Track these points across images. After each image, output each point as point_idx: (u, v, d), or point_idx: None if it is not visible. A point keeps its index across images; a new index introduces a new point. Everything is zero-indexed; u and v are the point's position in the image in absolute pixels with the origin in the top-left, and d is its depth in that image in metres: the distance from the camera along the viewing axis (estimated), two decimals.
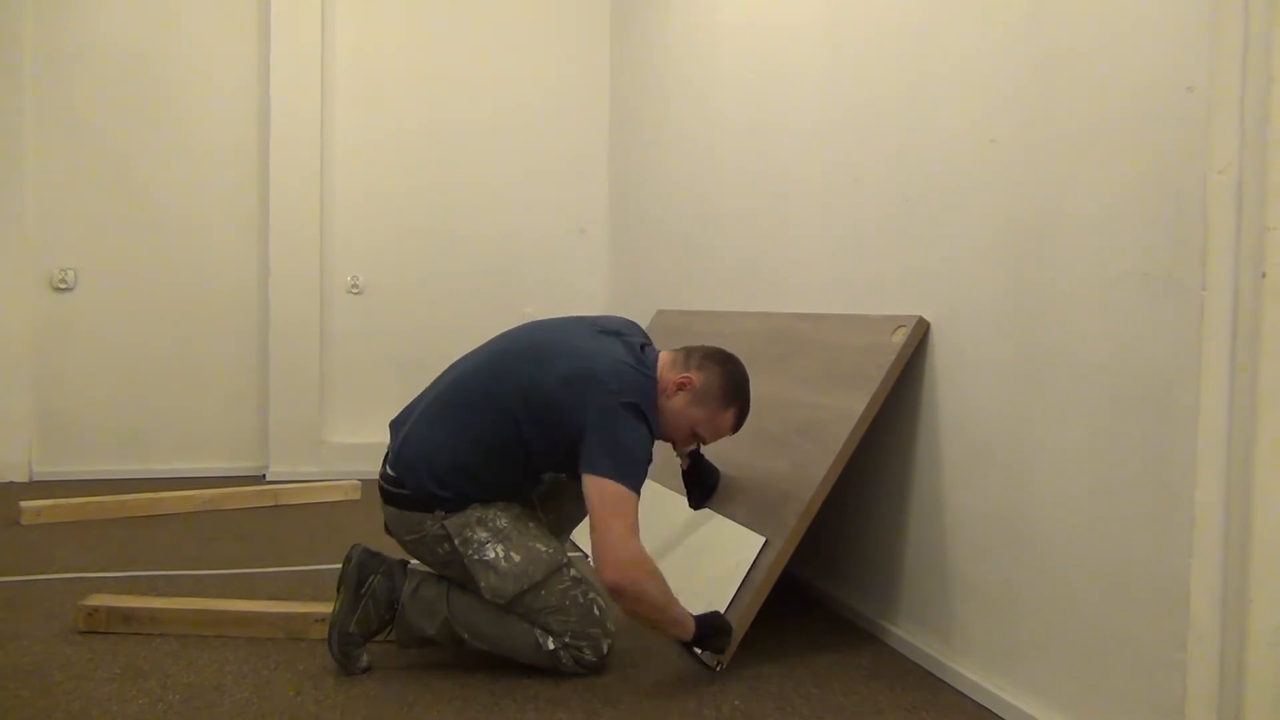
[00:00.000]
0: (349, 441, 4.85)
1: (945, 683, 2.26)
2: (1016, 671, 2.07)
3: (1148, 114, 1.73)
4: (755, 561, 2.38)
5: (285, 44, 4.70)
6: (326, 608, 2.48)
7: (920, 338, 2.39)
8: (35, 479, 4.53)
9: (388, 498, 2.35)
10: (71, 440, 4.61)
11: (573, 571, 2.29)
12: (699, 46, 3.96)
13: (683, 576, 2.65)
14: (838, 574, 2.82)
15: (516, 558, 2.24)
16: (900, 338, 2.39)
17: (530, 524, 2.33)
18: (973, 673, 2.20)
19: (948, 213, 2.33)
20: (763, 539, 2.42)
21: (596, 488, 2.11)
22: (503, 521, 2.27)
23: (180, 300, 4.71)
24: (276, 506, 4.09)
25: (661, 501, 3.02)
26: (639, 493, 2.14)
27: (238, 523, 3.78)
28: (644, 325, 4.15)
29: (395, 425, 2.44)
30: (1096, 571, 1.84)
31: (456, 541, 2.25)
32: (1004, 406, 2.12)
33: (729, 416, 2.36)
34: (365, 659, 2.29)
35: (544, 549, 2.28)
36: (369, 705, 2.09)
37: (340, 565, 2.35)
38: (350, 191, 4.88)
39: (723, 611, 2.35)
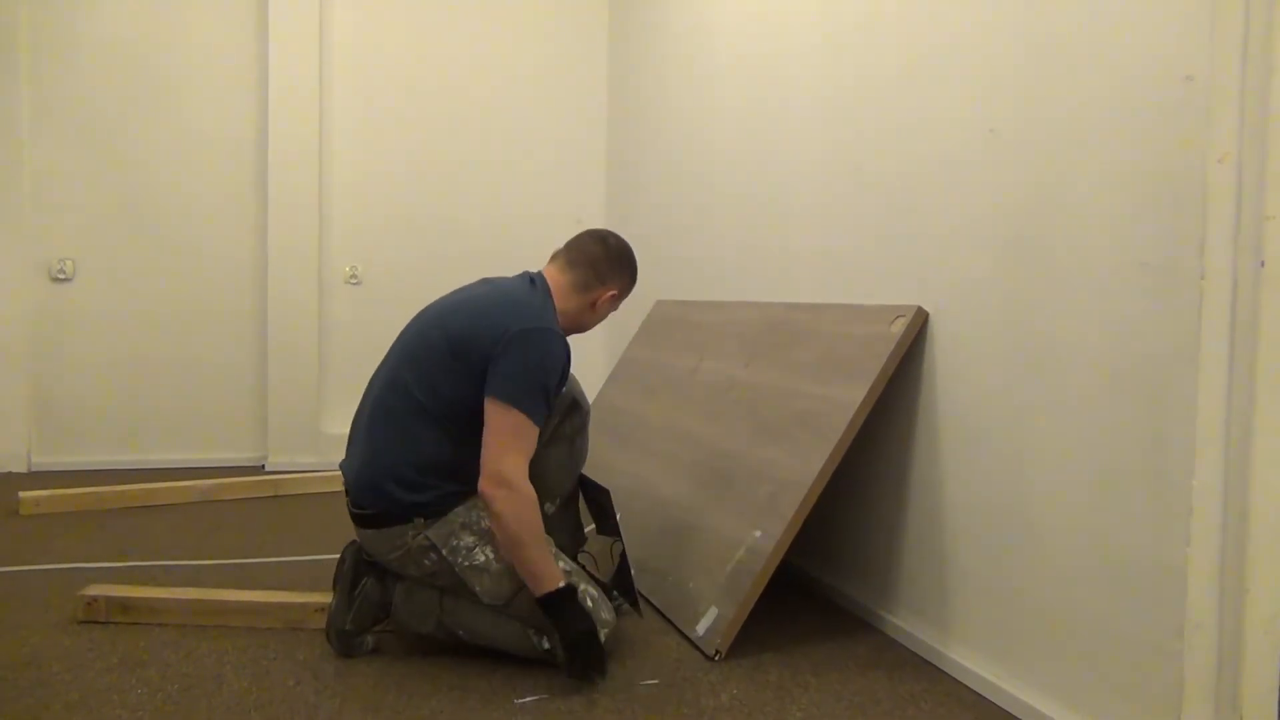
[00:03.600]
0: (347, 432, 4.84)
1: (943, 671, 2.27)
2: (1014, 660, 2.08)
3: (1147, 103, 1.73)
4: (753, 551, 2.39)
5: (284, 34, 4.68)
6: (325, 598, 2.48)
7: (919, 328, 2.38)
8: (34, 469, 4.53)
9: (362, 521, 2.32)
10: (70, 431, 4.61)
11: (562, 564, 2.28)
12: (697, 37, 3.95)
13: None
14: (836, 563, 2.83)
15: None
16: (899, 328, 2.39)
17: None
18: (970, 661, 2.20)
19: (946, 203, 2.32)
20: (761, 529, 2.42)
21: (493, 412, 2.14)
22: (486, 522, 2.24)
23: (179, 291, 4.71)
24: (275, 497, 4.09)
25: (655, 489, 3.02)
26: (538, 419, 2.17)
27: (236, 513, 3.78)
28: (643, 316, 4.17)
29: (344, 466, 2.42)
30: (1094, 560, 1.85)
31: (444, 551, 2.23)
32: (1002, 396, 2.12)
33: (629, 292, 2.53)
34: (370, 640, 2.33)
35: None
36: (368, 695, 2.10)
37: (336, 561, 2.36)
38: (349, 182, 4.87)
39: (716, 610, 2.36)
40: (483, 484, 2.13)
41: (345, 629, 2.29)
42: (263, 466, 4.70)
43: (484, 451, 2.15)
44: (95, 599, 2.50)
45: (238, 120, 4.74)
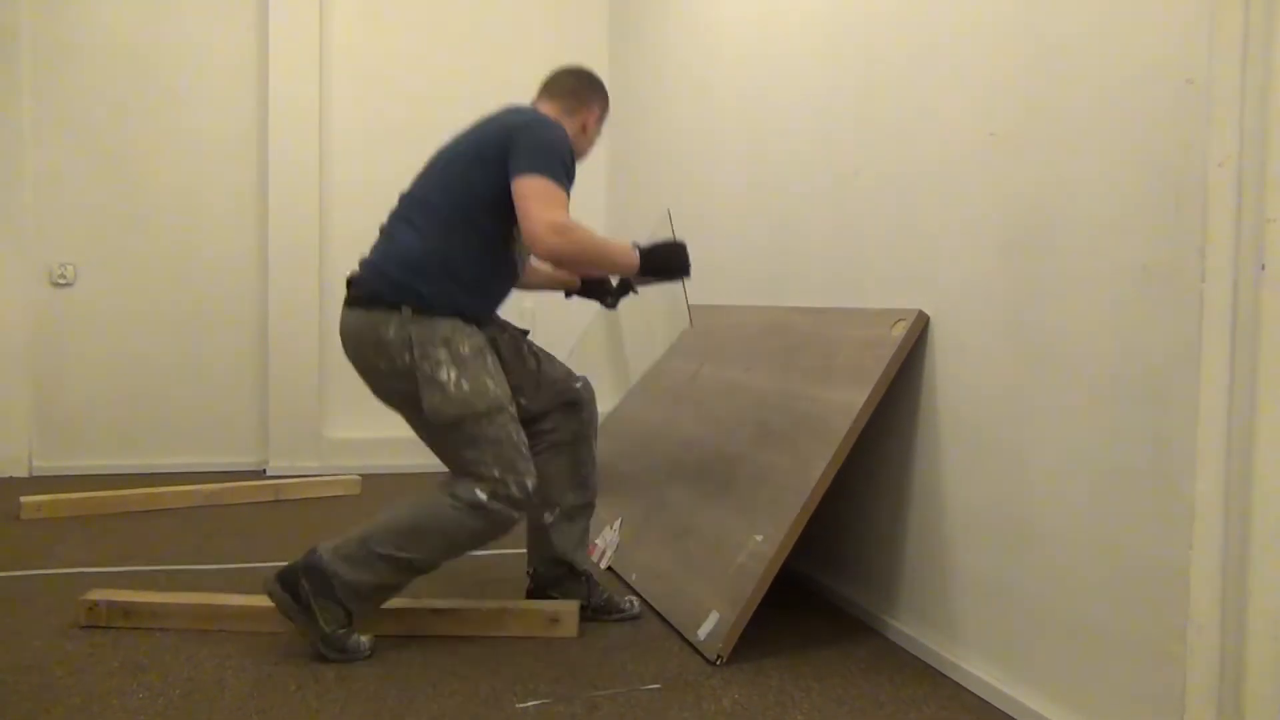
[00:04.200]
0: (348, 436, 4.86)
1: (945, 676, 2.26)
2: (1016, 664, 2.07)
3: (1147, 106, 1.73)
4: (755, 555, 2.39)
5: (284, 36, 4.70)
6: None
7: (920, 331, 2.39)
8: (35, 474, 4.54)
9: (353, 301, 2.37)
10: (71, 435, 4.61)
11: (513, 411, 2.37)
12: (698, 39, 3.95)
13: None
14: (838, 567, 2.83)
15: (465, 386, 2.30)
16: (900, 331, 2.39)
17: (489, 360, 2.37)
18: (972, 665, 2.20)
19: (947, 206, 2.32)
20: (762, 533, 2.42)
21: (522, 186, 2.27)
22: (465, 349, 2.32)
23: (180, 295, 4.72)
24: (276, 501, 4.10)
25: (657, 493, 3.02)
26: (564, 185, 2.31)
27: (238, 517, 3.79)
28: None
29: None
30: (1096, 564, 1.85)
31: (417, 353, 2.28)
32: (1004, 399, 2.12)
33: None
34: (364, 642, 2.31)
35: (493, 386, 2.34)
36: (370, 699, 2.10)
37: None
38: (349, 185, 4.87)
39: (718, 615, 2.36)
40: (540, 243, 2.23)
41: (327, 634, 2.27)
42: (264, 471, 4.71)
43: (526, 221, 2.24)
44: (97, 604, 2.50)
45: (239, 125, 4.75)
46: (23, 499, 3.70)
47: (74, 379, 4.62)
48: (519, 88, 5.02)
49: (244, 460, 4.79)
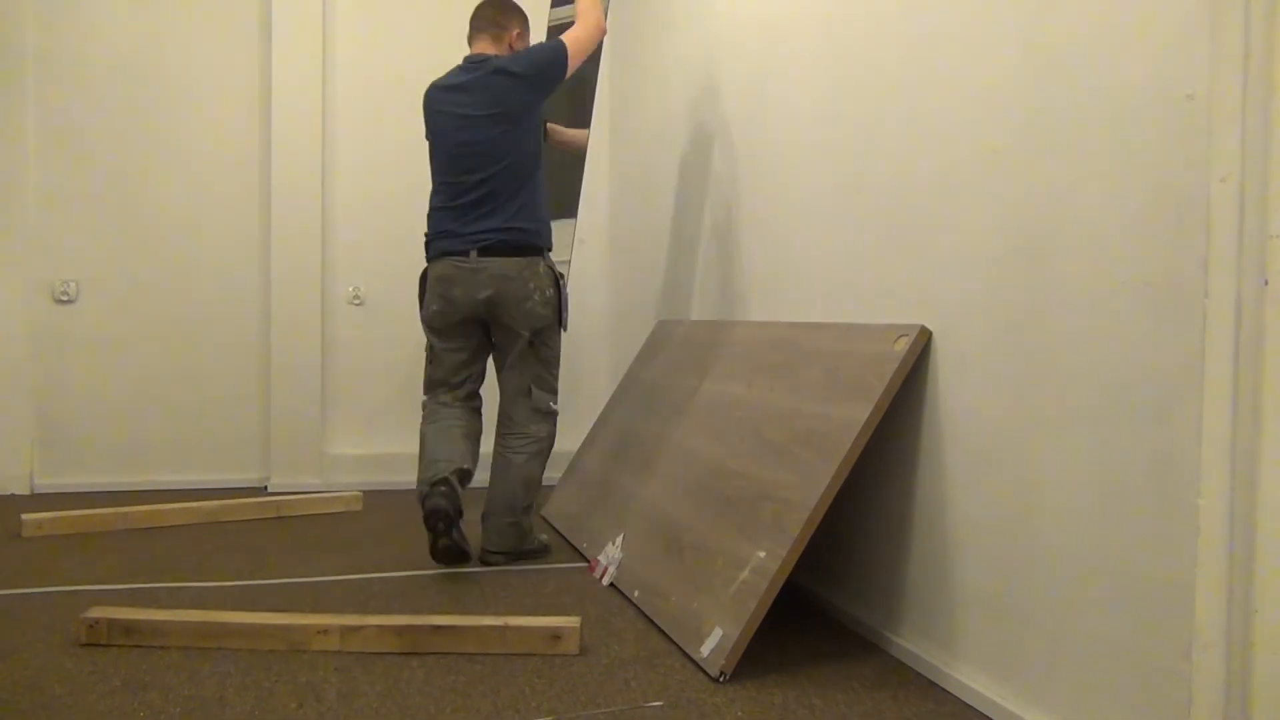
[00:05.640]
0: (351, 453, 4.85)
1: (949, 693, 2.25)
2: (1020, 681, 2.06)
3: (1149, 122, 1.74)
4: (757, 571, 2.38)
5: (287, 55, 4.72)
6: (328, 619, 2.48)
7: (922, 347, 2.38)
8: (36, 491, 4.53)
9: (509, 251, 3.18)
10: (73, 452, 4.61)
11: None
12: (698, 56, 3.96)
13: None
14: (841, 584, 2.82)
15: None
16: (902, 347, 2.39)
17: None
18: (977, 683, 2.19)
19: (950, 222, 2.33)
20: (765, 549, 2.41)
21: (572, 55, 3.29)
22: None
23: (182, 312, 4.72)
24: (278, 518, 4.09)
25: (658, 508, 3.01)
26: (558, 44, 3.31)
27: (239, 534, 3.78)
28: (646, 335, 4.17)
29: (450, 235, 3.35)
30: (1101, 581, 1.84)
31: (561, 282, 3.24)
32: (1006, 416, 2.11)
33: None
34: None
35: None
36: (371, 717, 2.09)
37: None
38: (352, 202, 4.88)
39: (721, 631, 2.35)
40: (601, 29, 3.38)
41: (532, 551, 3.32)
42: (265, 488, 4.70)
43: (590, 38, 3.32)
44: (98, 621, 2.49)
45: (241, 141, 4.77)
46: (24, 516, 3.70)
47: (76, 396, 4.62)
48: None
49: (245, 477, 4.79)
